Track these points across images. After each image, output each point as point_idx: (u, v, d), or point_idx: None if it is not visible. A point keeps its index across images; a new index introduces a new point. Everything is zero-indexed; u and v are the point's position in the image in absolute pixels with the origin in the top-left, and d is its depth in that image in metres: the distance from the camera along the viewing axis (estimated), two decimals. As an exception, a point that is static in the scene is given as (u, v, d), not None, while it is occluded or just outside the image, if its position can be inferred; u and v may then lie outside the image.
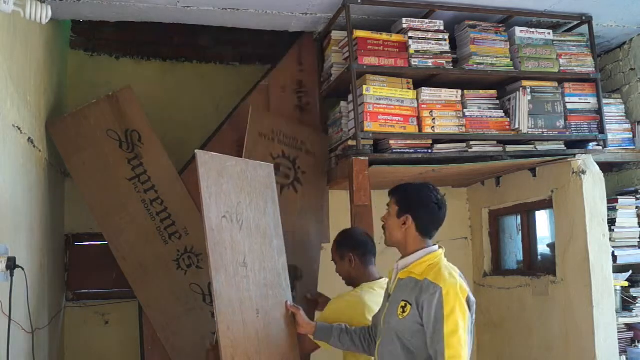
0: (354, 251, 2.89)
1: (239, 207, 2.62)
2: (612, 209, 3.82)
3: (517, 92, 3.70)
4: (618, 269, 3.79)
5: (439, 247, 2.36)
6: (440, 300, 2.14)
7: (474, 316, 2.24)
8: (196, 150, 2.50)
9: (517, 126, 3.67)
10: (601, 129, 3.83)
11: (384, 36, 3.58)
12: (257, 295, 2.58)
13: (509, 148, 3.69)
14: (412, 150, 3.53)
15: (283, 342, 2.63)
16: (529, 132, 3.69)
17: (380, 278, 2.87)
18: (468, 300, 2.18)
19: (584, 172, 3.68)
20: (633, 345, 3.80)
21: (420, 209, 2.33)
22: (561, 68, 3.81)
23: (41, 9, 2.22)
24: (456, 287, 2.16)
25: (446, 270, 2.24)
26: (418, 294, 2.21)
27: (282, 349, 2.62)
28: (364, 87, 3.46)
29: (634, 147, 4.10)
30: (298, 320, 2.66)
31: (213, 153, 2.61)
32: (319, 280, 3.82)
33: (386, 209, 2.43)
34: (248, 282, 2.56)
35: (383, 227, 2.43)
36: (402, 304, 2.25)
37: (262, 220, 2.75)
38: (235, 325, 2.43)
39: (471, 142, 3.62)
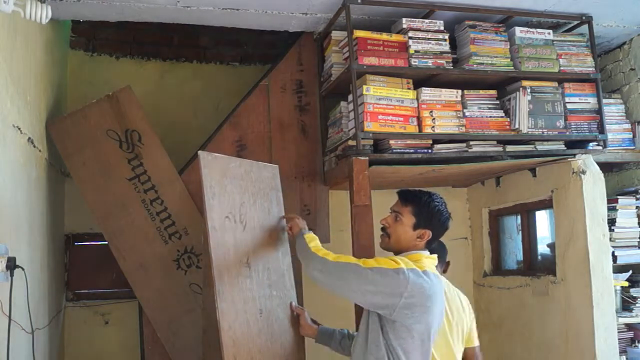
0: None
1: (243, 207, 2.62)
2: (612, 209, 3.82)
3: (517, 92, 3.70)
4: (618, 269, 3.78)
5: (430, 254, 2.36)
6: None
7: (426, 318, 2.20)
8: (199, 151, 2.50)
9: (517, 126, 3.67)
10: (601, 129, 3.83)
11: (384, 36, 3.58)
12: (260, 295, 2.58)
13: (509, 148, 3.68)
14: (412, 150, 3.53)
15: (286, 342, 2.63)
16: (529, 132, 3.69)
17: None
18: (404, 280, 2.14)
19: (584, 172, 3.68)
20: (633, 345, 3.80)
21: (438, 224, 2.35)
22: (561, 68, 3.80)
23: (41, 9, 2.22)
24: (397, 262, 2.18)
25: (411, 262, 2.24)
26: None
27: (286, 349, 2.62)
28: (364, 87, 3.46)
29: (634, 147, 4.09)
30: (301, 322, 2.67)
31: (216, 154, 2.61)
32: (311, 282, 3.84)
33: (393, 213, 2.37)
34: (251, 282, 2.56)
35: (384, 229, 2.38)
36: None
37: (266, 221, 2.75)
38: (238, 325, 2.43)
39: (471, 142, 3.62)
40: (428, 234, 2.33)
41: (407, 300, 2.14)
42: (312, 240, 2.47)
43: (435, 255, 2.38)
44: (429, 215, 2.33)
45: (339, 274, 2.19)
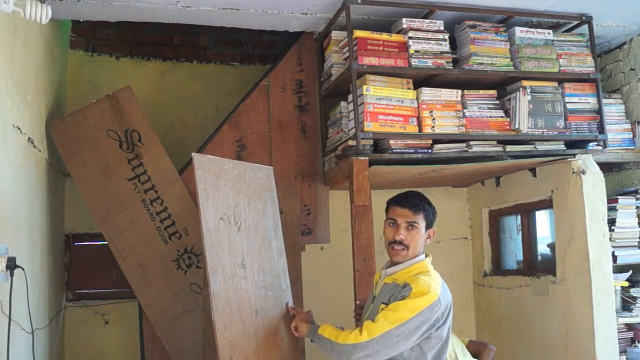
0: None
1: (237, 208, 2.63)
2: (612, 209, 3.82)
3: (517, 92, 3.70)
4: (618, 269, 3.79)
5: (426, 255, 2.39)
6: (407, 294, 2.21)
7: (449, 320, 2.26)
8: (193, 154, 2.52)
9: (517, 126, 3.67)
10: (601, 129, 3.83)
11: (384, 36, 3.58)
12: (256, 296, 2.59)
13: (509, 148, 3.68)
14: (412, 150, 3.53)
15: (282, 343, 2.63)
16: (529, 132, 3.69)
17: None
18: (438, 305, 2.19)
19: (584, 172, 3.68)
20: (633, 345, 3.80)
21: (434, 220, 2.41)
22: (561, 68, 3.80)
23: (41, 9, 2.22)
24: (426, 289, 2.20)
25: (425, 277, 2.27)
26: (392, 293, 2.28)
27: (282, 350, 2.62)
28: (364, 87, 3.46)
29: (634, 147, 4.10)
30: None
31: (210, 156, 2.63)
32: (310, 282, 3.89)
33: (405, 224, 2.34)
34: (247, 283, 2.56)
35: (401, 242, 2.34)
36: (382, 306, 2.29)
37: (261, 222, 2.76)
38: (233, 326, 2.43)
39: (471, 142, 3.62)
40: (434, 231, 2.40)
41: (442, 319, 2.22)
42: (326, 330, 2.33)
43: (430, 256, 2.42)
44: (434, 214, 2.40)
45: (385, 347, 2.16)
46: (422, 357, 2.23)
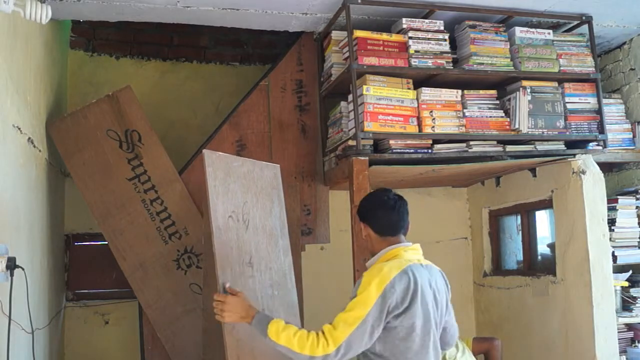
0: None
1: (245, 207, 2.62)
2: (612, 209, 3.82)
3: (517, 92, 3.70)
4: (618, 269, 3.79)
5: (407, 244, 2.35)
6: (358, 284, 2.21)
7: (414, 310, 2.19)
8: (204, 150, 2.50)
9: (517, 126, 3.67)
10: (601, 129, 3.83)
11: (384, 36, 3.58)
12: (263, 295, 2.58)
13: (509, 148, 3.68)
14: (412, 150, 3.53)
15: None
16: (529, 132, 3.69)
17: None
18: (391, 290, 2.15)
19: (584, 172, 3.68)
20: (633, 345, 3.80)
21: (369, 212, 2.39)
22: (561, 68, 3.80)
23: (41, 9, 2.22)
24: (374, 275, 2.19)
25: (389, 262, 2.25)
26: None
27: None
28: (364, 87, 3.46)
29: (634, 147, 4.10)
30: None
31: (220, 152, 2.61)
32: (310, 282, 3.89)
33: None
34: (254, 282, 2.56)
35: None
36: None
37: (268, 221, 2.75)
38: (241, 325, 2.43)
39: (471, 142, 3.61)
40: (366, 226, 2.38)
41: (402, 306, 2.18)
42: (281, 336, 2.15)
43: (417, 245, 2.38)
44: (362, 209, 2.41)
45: (352, 349, 2.16)
46: (394, 349, 2.18)
